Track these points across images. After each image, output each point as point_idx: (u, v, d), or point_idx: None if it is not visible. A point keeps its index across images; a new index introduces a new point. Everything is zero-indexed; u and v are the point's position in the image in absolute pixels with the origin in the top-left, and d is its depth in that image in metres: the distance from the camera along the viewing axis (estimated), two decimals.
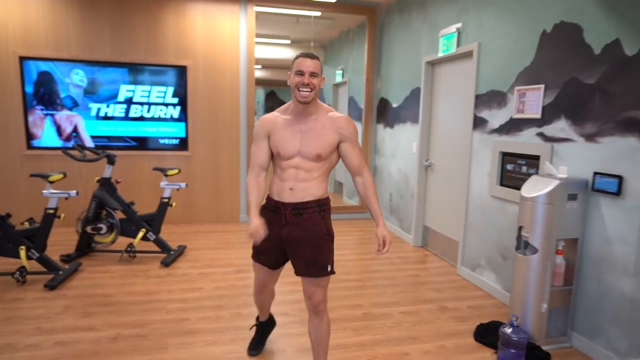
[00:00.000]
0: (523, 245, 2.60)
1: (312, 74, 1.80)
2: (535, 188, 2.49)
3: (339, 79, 6.96)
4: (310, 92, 1.80)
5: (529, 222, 2.48)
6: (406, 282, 3.50)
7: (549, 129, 2.75)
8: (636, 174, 2.20)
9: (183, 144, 5.02)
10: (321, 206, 1.90)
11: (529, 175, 2.94)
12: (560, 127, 2.67)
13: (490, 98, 3.32)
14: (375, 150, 5.68)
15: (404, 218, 4.79)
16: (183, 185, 3.95)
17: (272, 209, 1.91)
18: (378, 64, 5.45)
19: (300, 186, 1.86)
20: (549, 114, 2.75)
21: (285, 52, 8.27)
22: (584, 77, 2.49)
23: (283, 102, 7.47)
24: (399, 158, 4.91)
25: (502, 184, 3.22)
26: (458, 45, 3.70)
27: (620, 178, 2.27)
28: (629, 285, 2.24)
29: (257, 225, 1.79)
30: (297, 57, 1.84)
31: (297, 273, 1.91)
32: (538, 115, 2.83)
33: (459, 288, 3.43)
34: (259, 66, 5.66)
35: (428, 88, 4.31)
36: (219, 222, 5.23)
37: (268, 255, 1.97)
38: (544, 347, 2.49)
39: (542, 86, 2.79)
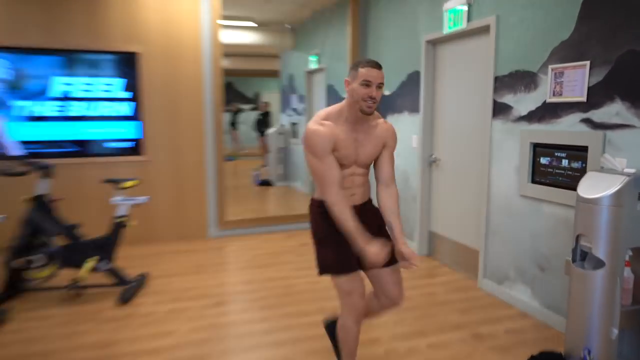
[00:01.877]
0: (580, 257, 2.27)
1: (379, 86, 1.84)
2: (597, 187, 2.15)
3: (313, 65, 6.52)
4: (375, 104, 1.84)
5: (592, 229, 2.14)
6: (424, 303, 3.12)
7: (599, 114, 2.43)
8: None
9: (137, 147, 4.42)
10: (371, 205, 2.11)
11: (572, 169, 2.62)
12: (614, 110, 2.35)
13: (514, 80, 2.98)
14: None
15: (405, 223, 4.42)
16: (142, 200, 3.39)
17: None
18: (364, 46, 5.05)
19: (359, 191, 1.99)
20: (598, 95, 2.43)
21: (249, 37, 7.74)
22: None
23: (241, 94, 6.89)
24: (396, 154, 4.53)
25: (534, 181, 2.89)
26: (469, 19, 3.35)
27: None
28: None
29: (377, 247, 1.81)
30: (361, 65, 1.84)
31: (372, 266, 1.97)
32: (583, 98, 2.51)
33: (487, 307, 3.08)
34: None
35: (430, 71, 3.94)
36: (184, 239, 4.67)
37: (346, 255, 1.93)
38: None
39: (587, 63, 2.47)
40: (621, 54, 2.30)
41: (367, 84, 1.81)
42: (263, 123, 8.86)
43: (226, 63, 4.77)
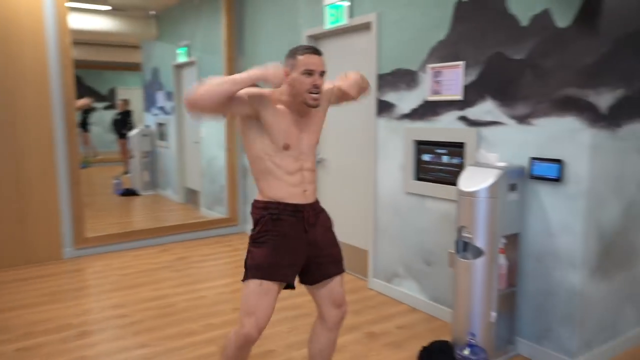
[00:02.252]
0: (462, 247, 2.60)
1: (322, 74, 1.85)
2: (475, 180, 2.49)
3: (182, 58, 6.36)
4: (319, 95, 1.85)
5: (472, 221, 2.48)
6: (314, 309, 3.27)
7: (474, 112, 2.81)
8: (577, 157, 2.35)
9: None
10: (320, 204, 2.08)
11: (452, 166, 2.98)
12: (486, 109, 2.74)
13: (396, 78, 3.29)
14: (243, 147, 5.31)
15: None
16: None
17: (291, 214, 1.91)
18: (240, 39, 5.09)
19: (311, 187, 1.98)
20: (472, 94, 2.81)
21: (101, 23, 7.25)
22: (511, 53, 2.59)
23: (92, 90, 6.50)
24: None
25: (418, 178, 3.22)
26: (351, 15, 3.60)
27: (560, 162, 2.40)
28: (577, 279, 2.40)
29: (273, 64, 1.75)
30: (299, 52, 1.83)
31: (328, 276, 2.00)
32: (459, 97, 2.88)
33: (378, 305, 3.34)
34: None
35: None
36: (32, 263, 4.23)
37: (293, 268, 1.93)
38: None
39: (462, 63, 2.85)
40: (490, 55, 2.69)
41: (309, 72, 1.80)
42: (123, 124, 8.35)
43: (74, 53, 4.44)
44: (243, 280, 1.91)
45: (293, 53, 1.85)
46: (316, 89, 1.83)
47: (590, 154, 2.31)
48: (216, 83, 1.71)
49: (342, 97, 2.12)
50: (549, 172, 2.45)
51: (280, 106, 1.88)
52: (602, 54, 2.27)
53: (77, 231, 4.38)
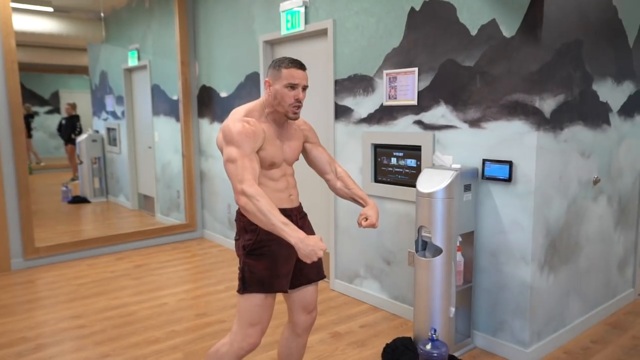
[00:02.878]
0: (422, 246, 2.71)
1: (304, 88, 1.88)
2: (432, 182, 2.60)
3: (133, 62, 6.21)
4: (300, 108, 1.90)
5: (430, 220, 2.59)
6: (279, 312, 3.30)
7: (428, 116, 2.93)
8: (525, 158, 2.50)
9: None
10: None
11: (409, 168, 3.09)
12: (440, 113, 2.87)
13: (353, 84, 3.37)
14: (200, 151, 5.27)
15: None
16: None
17: None
18: (194, 43, 5.04)
19: (295, 192, 2.03)
20: (427, 99, 2.93)
21: (44, 25, 6.96)
22: (461, 60, 2.72)
23: (33, 94, 6.24)
24: None
25: (377, 180, 3.31)
26: (306, 22, 3.66)
27: (510, 163, 2.55)
28: (528, 273, 2.55)
29: (321, 238, 1.72)
30: (284, 65, 1.85)
31: (307, 281, 2.03)
32: (414, 102, 2.99)
33: (341, 306, 3.41)
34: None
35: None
36: None
37: (288, 276, 1.95)
38: (454, 354, 2.65)
39: (416, 69, 2.96)
40: (443, 62, 2.82)
41: (292, 86, 1.83)
42: (71, 128, 8.04)
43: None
44: (241, 293, 1.86)
45: (278, 65, 1.86)
46: (298, 102, 1.85)
47: (536, 155, 2.47)
48: (272, 213, 1.66)
49: (313, 160, 2.15)
50: (500, 172, 2.60)
51: (265, 125, 1.87)
52: (545, 62, 2.43)
53: (27, 241, 4.21)
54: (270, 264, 1.87)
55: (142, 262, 4.43)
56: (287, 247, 1.89)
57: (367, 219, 1.95)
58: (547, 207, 2.59)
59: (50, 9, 6.66)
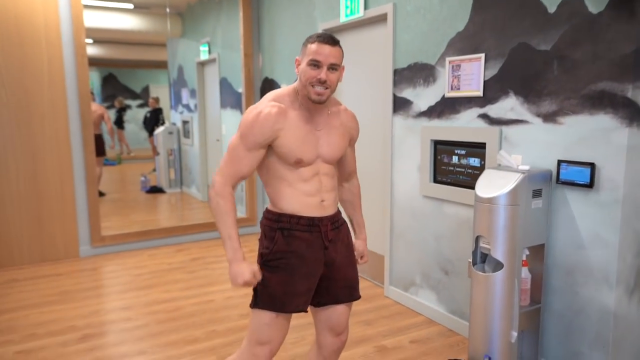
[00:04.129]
0: (481, 259, 2.34)
1: (332, 67, 1.58)
2: (493, 185, 2.23)
3: (204, 55, 6.26)
4: (327, 90, 1.60)
5: (490, 230, 2.22)
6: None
7: (495, 109, 2.54)
8: (612, 160, 2.05)
9: None
10: (342, 216, 1.84)
11: (472, 167, 2.72)
12: (509, 105, 2.46)
13: (413, 73, 3.04)
14: None
15: None
16: None
17: (306, 229, 1.67)
18: (258, 34, 4.92)
19: (331, 196, 1.73)
20: (494, 90, 2.53)
21: (125, 21, 7.23)
22: (536, 43, 2.30)
23: (127, 88, 6.37)
24: None
25: (436, 181, 2.96)
26: (366, 7, 3.36)
27: (592, 166, 2.11)
28: (612, 298, 2.10)
29: (252, 271, 1.56)
30: (311, 40, 1.59)
31: (336, 301, 1.76)
32: (479, 93, 2.61)
33: (393, 316, 3.11)
34: (90, 40, 4.71)
35: None
36: (46, 261, 4.20)
37: (308, 294, 1.69)
38: None
39: (482, 55, 2.57)
40: (514, 46, 2.41)
41: (315, 63, 1.56)
42: (154, 121, 8.37)
43: (104, 51, 4.37)
44: (252, 307, 1.67)
45: (306, 40, 1.62)
46: (321, 84, 1.57)
47: (627, 156, 2.01)
48: (223, 220, 1.58)
49: (344, 159, 1.89)
50: (579, 176, 2.16)
51: (293, 113, 1.63)
52: None
53: (94, 230, 4.33)
54: (286, 278, 1.63)
55: (200, 255, 4.40)
56: (310, 263, 1.65)
57: (362, 257, 1.90)
58: (638, 219, 2.12)
59: (131, 5, 6.90)
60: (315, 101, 1.61)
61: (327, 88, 1.59)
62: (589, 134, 2.12)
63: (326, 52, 1.56)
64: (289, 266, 1.63)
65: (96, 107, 5.41)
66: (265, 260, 1.66)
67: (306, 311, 1.70)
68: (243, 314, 3.14)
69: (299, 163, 1.64)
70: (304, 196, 1.66)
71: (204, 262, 4.19)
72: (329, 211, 1.72)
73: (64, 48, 4.08)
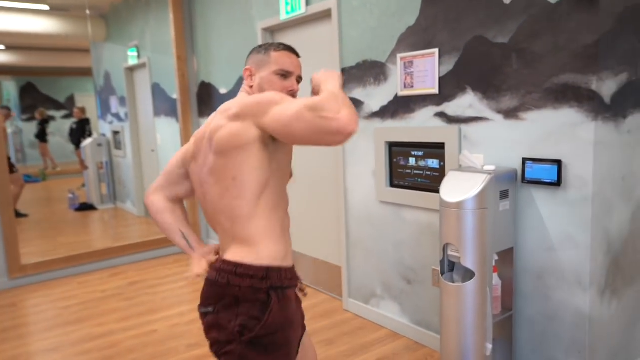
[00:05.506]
0: (448, 267, 2.19)
1: (299, 79, 1.44)
2: (459, 188, 2.07)
3: (133, 60, 5.82)
4: None
5: (458, 237, 2.06)
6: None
7: (453, 107, 2.40)
8: (579, 156, 1.95)
9: None
10: None
11: (430, 169, 2.57)
12: (467, 102, 2.33)
13: (362, 72, 2.86)
14: None
15: None
16: None
17: (293, 284, 1.33)
18: (191, 37, 4.59)
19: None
20: (450, 86, 2.40)
21: (41, 24, 6.62)
22: (493, 35, 2.18)
23: (49, 98, 5.83)
24: None
25: (393, 185, 2.80)
26: (308, 3, 3.15)
27: (559, 163, 2.00)
28: (586, 300, 2.00)
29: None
30: (274, 48, 1.41)
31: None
32: (435, 90, 2.46)
33: (355, 331, 2.91)
34: (1, 46, 4.22)
35: None
36: None
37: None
38: None
39: (436, 51, 2.43)
40: (469, 40, 2.28)
41: (285, 74, 1.40)
42: (81, 133, 7.75)
43: (20, 59, 3.89)
44: None
45: (265, 48, 1.43)
46: (291, 95, 1.40)
47: (594, 152, 1.92)
48: (342, 98, 1.18)
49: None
50: (546, 174, 2.05)
51: None
52: (604, 32, 1.87)
53: (11, 258, 3.83)
54: (285, 348, 1.26)
55: (139, 279, 4.01)
56: (299, 321, 1.38)
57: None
58: (607, 216, 2.04)
59: (46, 7, 6.32)
60: None
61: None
62: (553, 130, 2.02)
63: (296, 63, 1.44)
64: (287, 342, 1.27)
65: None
66: (255, 337, 1.22)
67: None
68: (191, 344, 2.83)
69: (290, 176, 1.46)
70: (284, 232, 1.34)
71: (144, 286, 3.82)
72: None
73: None
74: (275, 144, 1.28)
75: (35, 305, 3.53)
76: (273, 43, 1.45)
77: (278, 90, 1.37)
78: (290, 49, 1.45)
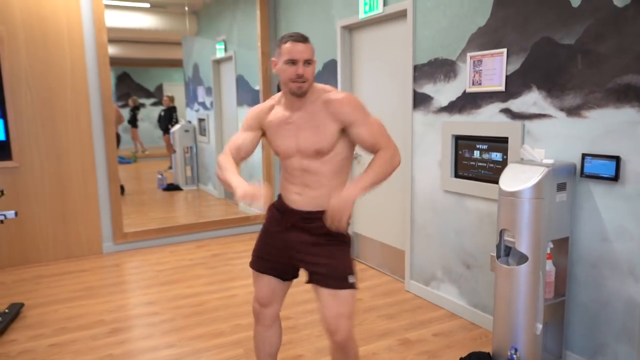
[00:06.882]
0: (505, 252, 2.37)
1: (307, 62, 1.74)
2: (518, 179, 2.25)
3: (220, 53, 6.32)
4: (305, 83, 1.74)
5: (514, 223, 2.24)
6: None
7: (517, 104, 2.55)
8: (637, 153, 2.06)
9: (2, 150, 3.96)
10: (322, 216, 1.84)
11: (493, 162, 2.73)
12: (532, 100, 2.48)
13: (433, 69, 3.06)
14: None
15: None
16: (9, 215, 3.03)
17: (279, 209, 1.92)
18: (275, 32, 4.96)
19: (309, 193, 1.83)
20: (516, 84, 2.55)
21: (141, 20, 7.31)
22: (559, 37, 2.31)
23: (141, 87, 6.45)
24: None
25: (457, 175, 2.98)
26: (385, 3, 3.38)
27: (617, 159, 2.12)
28: (638, 291, 2.11)
29: (247, 187, 1.67)
30: (284, 41, 1.75)
31: (314, 281, 1.84)
32: (501, 87, 2.62)
33: (415, 310, 3.14)
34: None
35: (347, 60, 3.95)
36: (71, 258, 4.29)
37: (273, 263, 1.93)
38: None
39: (504, 50, 2.58)
40: (537, 41, 2.42)
41: (292, 61, 1.72)
42: (168, 119, 8.45)
43: (119, 50, 4.43)
44: None
45: (279, 41, 1.78)
46: (300, 78, 1.73)
47: None
48: (223, 168, 1.82)
49: (357, 141, 1.81)
50: (604, 170, 2.18)
51: (277, 109, 1.87)
52: None
53: (116, 227, 4.41)
54: (259, 239, 1.98)
55: (220, 252, 4.47)
56: (275, 234, 1.89)
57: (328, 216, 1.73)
58: None
59: (147, 5, 6.97)
60: (298, 93, 1.76)
61: (304, 81, 1.74)
62: (614, 127, 2.14)
63: (300, 49, 1.72)
64: (261, 232, 1.98)
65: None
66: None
67: (278, 277, 1.94)
68: None
69: (280, 155, 1.86)
70: (287, 183, 1.90)
71: (225, 258, 4.26)
72: (299, 206, 1.84)
73: (86, 48, 4.15)
74: (269, 140, 1.91)
75: (136, 267, 4.07)
76: (285, 35, 1.77)
77: (289, 75, 1.73)
78: (295, 39, 1.73)
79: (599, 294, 2.26)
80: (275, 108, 1.87)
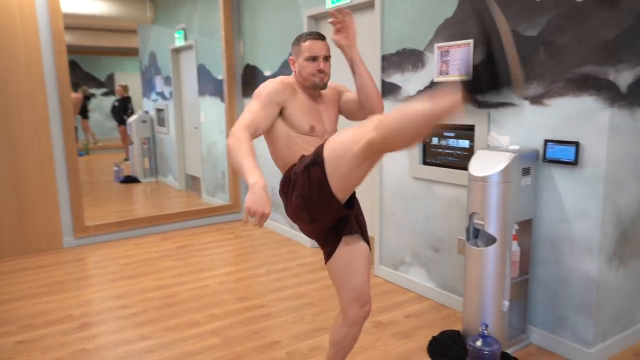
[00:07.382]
0: (473, 234, 2.49)
1: (326, 58, 1.87)
2: (487, 165, 2.37)
3: (179, 42, 6.18)
4: (326, 77, 1.89)
5: (484, 207, 2.36)
6: (321, 298, 3.17)
7: None
8: (595, 139, 2.22)
9: None
10: None
11: (461, 149, 2.85)
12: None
13: (402, 59, 3.14)
14: None
15: None
16: None
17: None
18: (238, 22, 4.92)
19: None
20: None
21: (95, 7, 7.05)
22: (523, 29, 2.44)
23: (90, 76, 6.25)
24: None
25: (425, 162, 3.09)
26: None
27: (577, 144, 2.27)
28: (594, 266, 2.28)
29: (257, 199, 1.53)
30: (303, 40, 1.87)
31: (349, 232, 2.00)
32: (468, 77, 2.73)
33: (385, 293, 3.24)
34: None
35: None
36: (29, 253, 4.13)
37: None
38: (507, 351, 2.44)
39: (470, 42, 2.70)
40: None
41: (312, 58, 1.85)
42: (122, 110, 8.20)
43: (68, 38, 4.26)
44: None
45: (297, 40, 1.90)
46: (321, 72, 1.87)
47: (608, 135, 2.18)
48: (236, 159, 1.64)
49: (349, 102, 2.05)
50: (565, 154, 2.32)
51: (298, 92, 1.91)
52: (623, 29, 2.12)
53: (77, 220, 4.28)
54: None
55: (186, 243, 4.42)
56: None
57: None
58: (618, 193, 2.30)
59: None
60: (320, 86, 1.90)
61: (326, 75, 1.90)
62: (574, 115, 2.28)
63: (320, 46, 1.86)
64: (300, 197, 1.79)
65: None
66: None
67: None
68: (239, 297, 3.21)
69: (313, 130, 1.86)
70: (301, 149, 1.85)
71: (192, 250, 4.22)
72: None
73: (40, 35, 3.98)
74: (288, 116, 1.85)
75: (100, 261, 3.98)
76: (303, 34, 1.89)
77: (311, 71, 1.84)
78: (314, 37, 1.86)
79: (559, 271, 2.42)
80: (296, 90, 1.88)
